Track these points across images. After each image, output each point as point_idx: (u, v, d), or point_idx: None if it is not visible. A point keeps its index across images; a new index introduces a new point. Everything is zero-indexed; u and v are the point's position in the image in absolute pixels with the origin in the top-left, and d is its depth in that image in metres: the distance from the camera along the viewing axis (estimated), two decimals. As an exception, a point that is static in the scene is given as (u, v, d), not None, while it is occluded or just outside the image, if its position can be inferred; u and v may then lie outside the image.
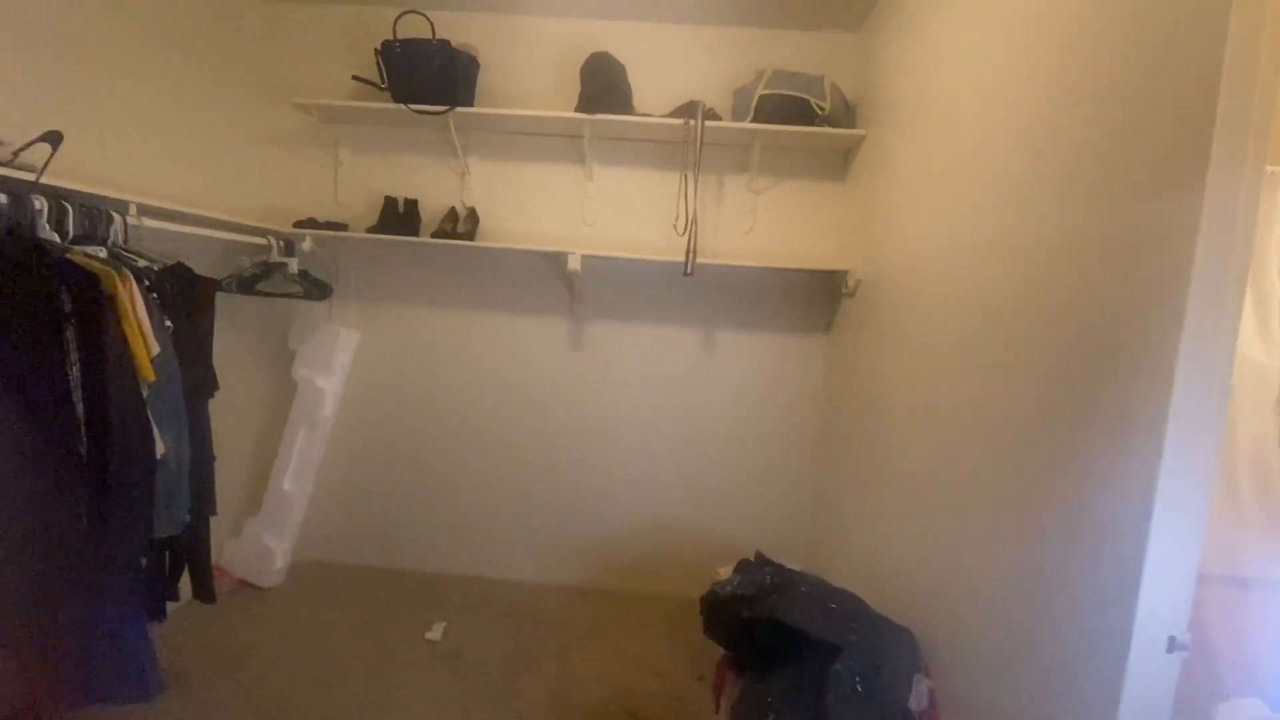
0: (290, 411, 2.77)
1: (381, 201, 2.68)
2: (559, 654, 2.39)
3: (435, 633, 2.46)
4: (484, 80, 2.65)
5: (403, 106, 2.46)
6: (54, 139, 1.53)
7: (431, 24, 2.45)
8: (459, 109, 2.49)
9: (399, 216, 2.66)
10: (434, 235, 2.62)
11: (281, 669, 2.18)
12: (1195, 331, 0.94)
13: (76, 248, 1.60)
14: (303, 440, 2.76)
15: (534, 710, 2.07)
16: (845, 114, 2.55)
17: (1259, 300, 1.86)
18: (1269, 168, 1.61)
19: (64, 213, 1.62)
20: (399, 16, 2.45)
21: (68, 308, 1.49)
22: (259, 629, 2.41)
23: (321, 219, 2.64)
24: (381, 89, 2.51)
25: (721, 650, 1.86)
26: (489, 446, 2.91)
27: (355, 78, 2.54)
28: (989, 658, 1.39)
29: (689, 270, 2.46)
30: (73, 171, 1.67)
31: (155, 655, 1.88)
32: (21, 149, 1.51)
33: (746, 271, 2.66)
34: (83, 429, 1.52)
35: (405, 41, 2.45)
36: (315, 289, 2.65)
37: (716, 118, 2.51)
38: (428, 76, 2.45)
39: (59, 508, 1.49)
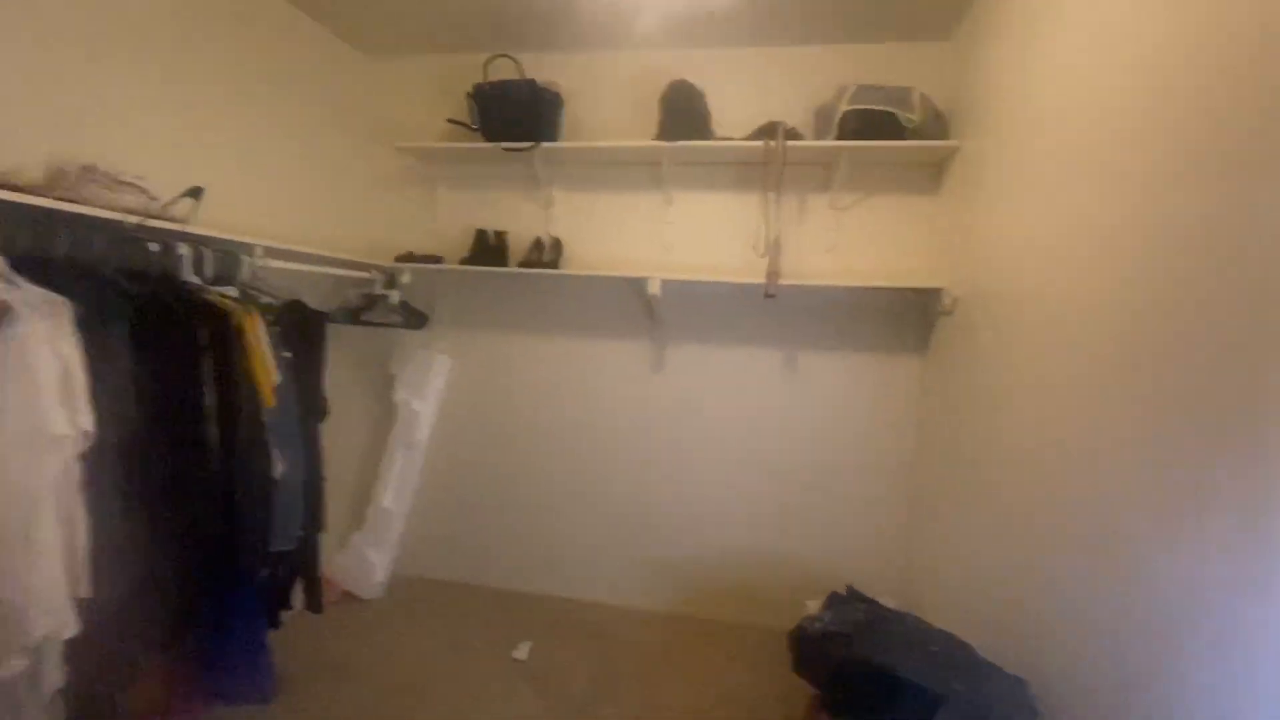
0: (390, 433, 2.95)
1: (473, 234, 2.83)
2: (642, 681, 2.37)
3: (521, 652, 2.51)
4: (567, 114, 2.75)
5: (493, 145, 2.60)
6: (196, 193, 1.73)
7: (519, 65, 2.58)
8: (544, 144, 2.59)
9: (489, 248, 2.80)
10: (521, 265, 2.73)
11: (379, 679, 2.29)
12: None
13: (213, 288, 1.78)
14: (401, 460, 2.93)
15: (618, 738, 2.06)
16: (936, 125, 2.44)
17: None
18: None
19: (202, 257, 1.82)
20: (489, 60, 2.60)
21: (204, 341, 1.66)
22: (360, 639, 2.55)
23: (419, 253, 2.82)
24: (474, 130, 2.67)
25: (812, 689, 1.78)
26: (574, 468, 2.97)
27: (450, 120, 2.71)
28: (1122, 704, 1.24)
29: (770, 291, 2.42)
30: (209, 220, 1.88)
31: (273, 661, 2.03)
32: (170, 203, 1.72)
33: (831, 291, 2.58)
34: (214, 451, 1.69)
35: (494, 83, 2.60)
36: (413, 318, 2.82)
37: (798, 137, 2.48)
38: (516, 115, 2.58)
39: (196, 522, 1.66)
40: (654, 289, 2.55)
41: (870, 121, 2.37)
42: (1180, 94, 1.21)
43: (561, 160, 2.80)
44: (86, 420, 1.34)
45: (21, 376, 1.23)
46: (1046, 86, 1.77)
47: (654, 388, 2.89)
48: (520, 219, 2.88)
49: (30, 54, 1.66)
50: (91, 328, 1.41)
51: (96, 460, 1.42)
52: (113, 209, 1.62)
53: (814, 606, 1.94)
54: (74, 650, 1.41)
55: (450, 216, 2.96)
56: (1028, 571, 1.68)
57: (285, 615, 2.14)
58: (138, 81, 1.93)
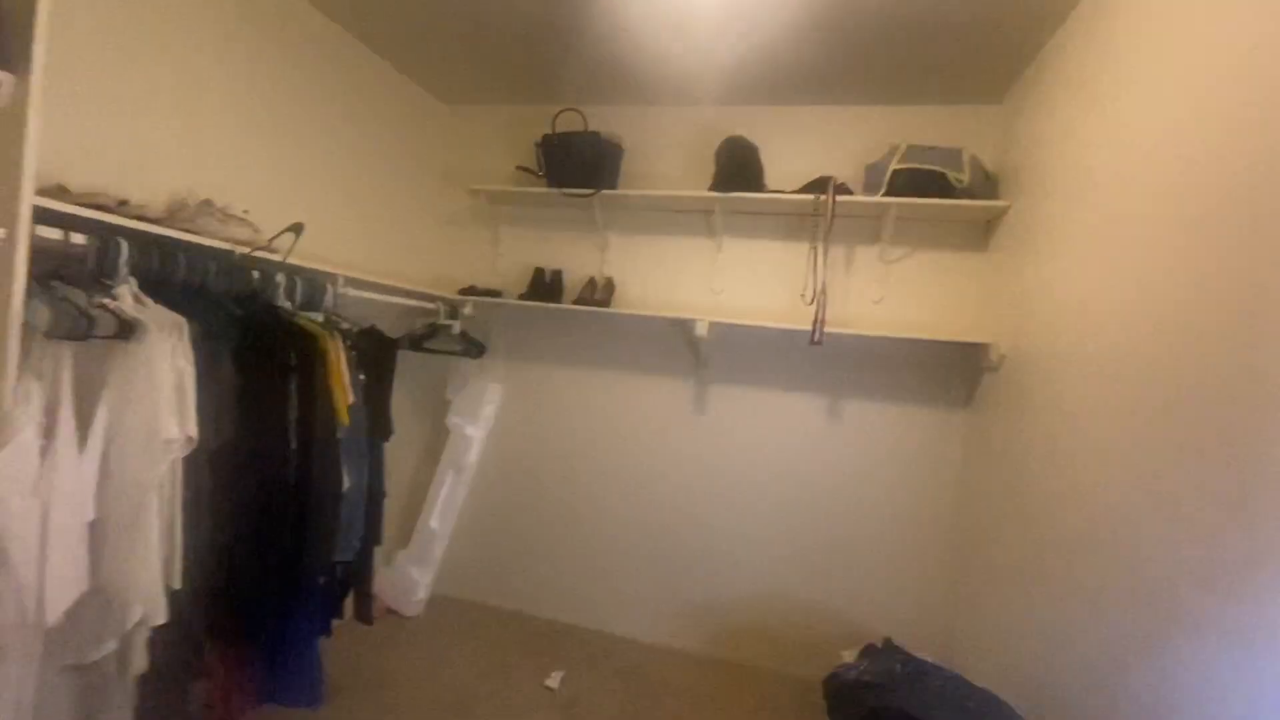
0: (441, 456, 3.09)
1: (532, 272, 2.99)
2: None
3: (554, 680, 2.55)
4: (627, 163, 2.92)
5: (557, 191, 2.78)
6: (298, 229, 1.92)
7: (584, 118, 2.77)
8: (604, 191, 2.76)
9: (545, 285, 2.96)
10: (575, 302, 2.87)
11: (418, 694, 2.37)
12: None
13: (302, 313, 1.96)
14: (450, 483, 3.06)
15: (646, 774, 2.07)
16: (985, 185, 2.50)
17: None
18: None
19: (294, 285, 2.01)
20: (558, 113, 2.80)
21: (293, 361, 1.83)
22: (401, 655, 2.64)
23: (481, 287, 3.00)
24: (540, 175, 2.86)
25: (845, 739, 1.77)
26: (615, 502, 3.04)
27: (519, 167, 2.91)
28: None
29: (816, 338, 2.48)
30: (298, 251, 2.07)
31: (322, 667, 2.13)
32: (274, 238, 1.91)
33: (877, 342, 2.63)
34: (292, 462, 1.83)
35: (561, 134, 2.79)
36: (472, 348, 2.99)
37: (848, 192, 2.57)
38: (579, 164, 2.75)
39: (271, 527, 1.79)
40: (701, 331, 2.64)
41: (920, 180, 2.45)
42: (1225, 156, 1.26)
43: (619, 206, 2.96)
44: (192, 427, 1.50)
45: (146, 386, 1.40)
46: (1097, 149, 1.82)
47: (697, 428, 2.95)
48: (576, 259, 3.04)
49: (170, 105, 1.90)
50: (202, 344, 1.59)
51: (194, 463, 1.57)
52: (224, 240, 1.82)
53: (850, 656, 1.94)
54: (155, 638, 1.54)
55: (511, 255, 3.15)
56: (1063, 640, 1.67)
57: (337, 624, 2.25)
58: (248, 128, 2.18)
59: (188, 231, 1.75)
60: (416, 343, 2.88)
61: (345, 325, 2.14)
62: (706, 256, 2.93)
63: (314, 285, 2.10)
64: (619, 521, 3.03)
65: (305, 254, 2.12)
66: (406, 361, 2.95)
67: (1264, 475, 1.06)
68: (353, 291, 2.31)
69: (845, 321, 2.68)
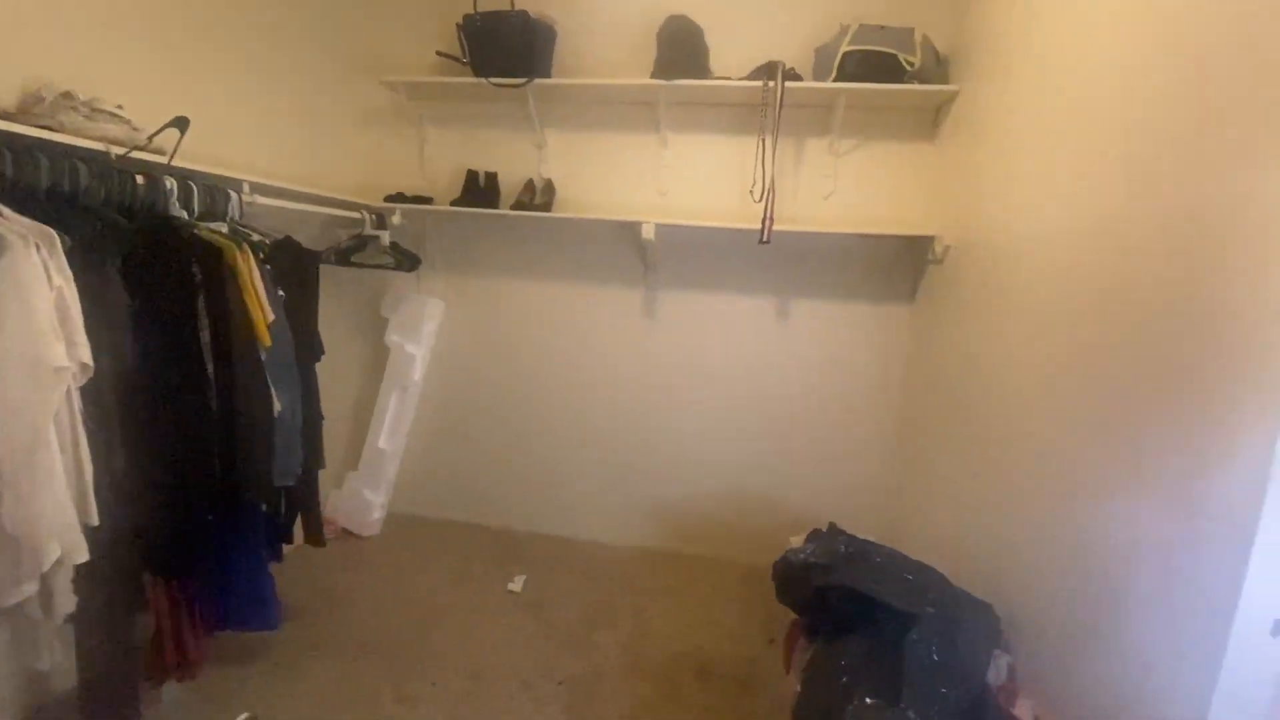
0: (384, 375, 2.97)
1: (464, 175, 2.78)
2: (634, 611, 2.49)
3: (516, 584, 2.61)
4: (561, 50, 2.66)
5: (484, 80, 2.53)
6: (182, 124, 1.68)
7: (510, -5, 2.48)
8: (537, 80, 2.52)
9: (480, 189, 2.76)
10: (512, 207, 2.69)
11: (380, 609, 2.39)
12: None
13: (203, 225, 1.76)
14: (395, 402, 2.96)
15: (609, 659, 2.18)
16: (936, 69, 2.40)
17: None
18: None
19: (189, 192, 1.79)
20: (479, -11, 2.50)
21: (198, 277, 1.65)
22: (360, 573, 2.64)
23: (409, 193, 2.78)
24: (464, 64, 2.58)
25: (793, 616, 1.89)
26: (568, 410, 3.02)
27: (439, 53, 2.62)
28: (1074, 635, 1.35)
29: (765, 238, 2.42)
30: (191, 154, 1.83)
31: (277, 590, 2.11)
32: (154, 134, 1.67)
33: (825, 238, 2.59)
34: (213, 387, 1.70)
35: (485, 14, 2.50)
36: (405, 260, 2.80)
37: (797, 78, 2.43)
38: (507, 49, 2.49)
39: (196, 457, 1.69)
40: (648, 234, 2.54)
41: (871, 63, 2.33)
42: (1184, 51, 1.21)
43: (555, 99, 2.72)
44: (84, 353, 1.34)
45: (18, 307, 1.23)
46: (1049, 33, 1.74)
47: (648, 333, 2.91)
48: (512, 160, 2.83)
49: (-3, -29, 1.57)
50: (83, 261, 1.40)
51: (97, 393, 1.43)
52: (95, 139, 1.58)
53: (797, 541, 2.02)
54: (83, 577, 1.45)
55: (440, 156, 2.90)
56: (998, 511, 1.78)
57: (287, 550, 2.21)
58: (114, 6, 1.85)
59: (47, 129, 1.50)
60: (343, 256, 2.68)
61: (256, 237, 1.94)
62: (651, 154, 2.77)
63: (213, 192, 1.88)
64: (573, 429, 3.03)
65: (199, 157, 1.87)
66: (335, 277, 2.76)
67: (1192, 368, 1.09)
68: (261, 200, 2.08)
69: (795, 219, 2.62)
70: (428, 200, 2.76)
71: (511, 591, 2.57)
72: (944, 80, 2.41)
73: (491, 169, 2.78)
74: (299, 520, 2.19)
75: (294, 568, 2.54)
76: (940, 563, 1.68)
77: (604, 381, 2.97)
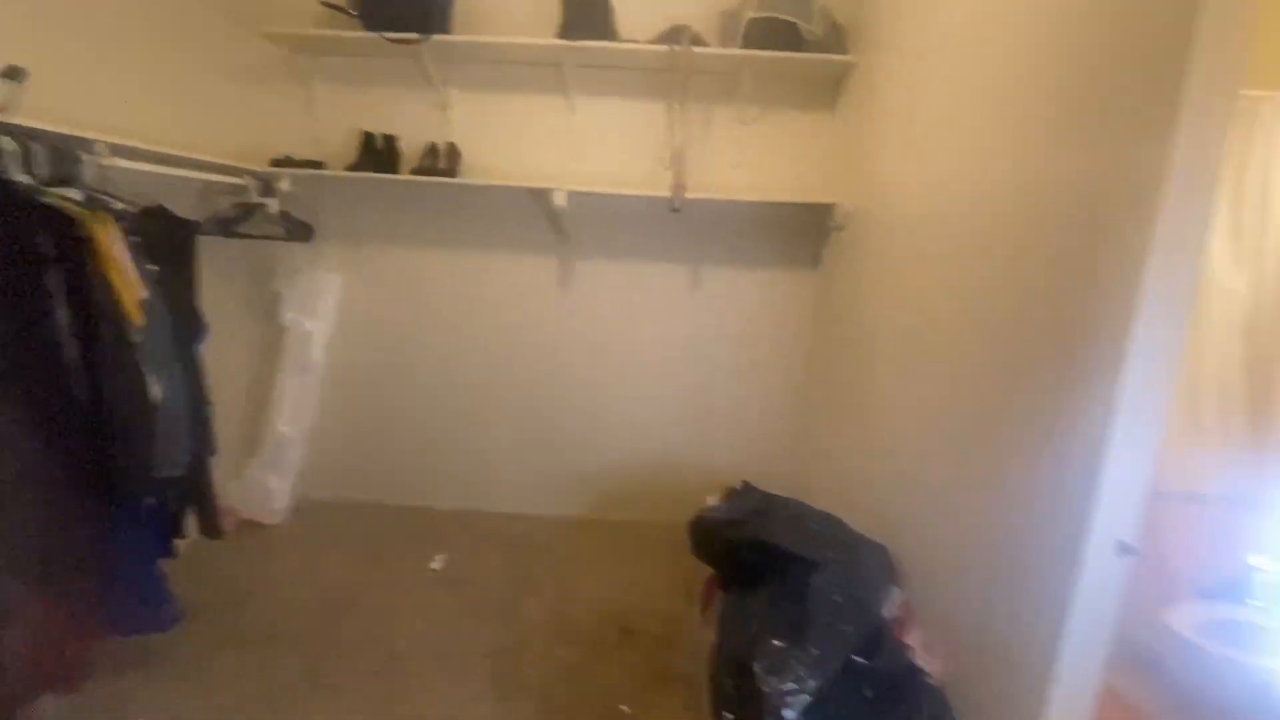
0: (281, 355, 2.79)
1: (359, 138, 2.61)
2: (558, 579, 2.51)
3: (438, 563, 2.57)
4: (462, 3, 2.52)
5: (376, 35, 2.36)
6: (16, 75, 1.47)
7: (401, -57, 2.32)
8: (434, 37, 2.39)
9: (377, 153, 2.60)
10: (414, 173, 2.57)
11: (292, 598, 2.29)
12: (1160, 260, 0.97)
13: (52, 191, 1.56)
14: (296, 382, 2.79)
15: (534, 628, 2.20)
16: (835, 39, 2.47)
17: (1235, 229, 1.89)
18: (1246, 93, 1.61)
19: (29, 154, 1.57)
20: (366, -66, 2.31)
21: (49, 252, 1.47)
22: (267, 563, 2.51)
23: (299, 157, 2.58)
24: (352, 15, 2.40)
25: (709, 570, 1.97)
26: (483, 384, 2.96)
27: (324, 3, 2.42)
28: (955, 567, 1.49)
29: (676, 205, 2.44)
30: (38, 110, 1.61)
31: (169, 588, 1.97)
32: (-20, 86, 1.45)
33: (735, 206, 2.64)
34: (76, 373, 1.54)
35: (375, -38, 2.33)
36: (297, 230, 2.61)
37: (703, 43, 2.43)
38: (401, 1, 2.33)
39: (58, 450, 1.53)
40: (560, 201, 2.49)
41: (773, 30, 2.37)
42: (1009, 41, 1.31)
43: (455, 57, 2.59)
44: (-91, 340, 1.18)
45: None
46: (924, 10, 1.83)
47: (563, 302, 2.89)
48: (412, 122, 2.68)
49: None
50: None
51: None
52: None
53: (713, 500, 2.11)
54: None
55: (332, 118, 2.70)
56: (888, 460, 1.93)
57: (181, 544, 2.06)
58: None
59: None
60: (226, 227, 2.45)
61: (120, 205, 1.75)
62: (560, 118, 2.70)
63: (63, 155, 1.66)
64: (491, 403, 2.98)
65: (48, 114, 1.65)
66: (220, 250, 2.54)
67: (1054, 326, 1.21)
68: (124, 163, 1.86)
69: (705, 186, 2.65)
70: (320, 165, 2.58)
71: (433, 570, 2.53)
72: (842, 51, 2.48)
73: (390, 131, 2.63)
74: (192, 512, 2.04)
75: (192, 563, 2.38)
76: (841, 510, 1.80)
77: (520, 353, 2.93)
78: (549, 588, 2.45)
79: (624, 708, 1.83)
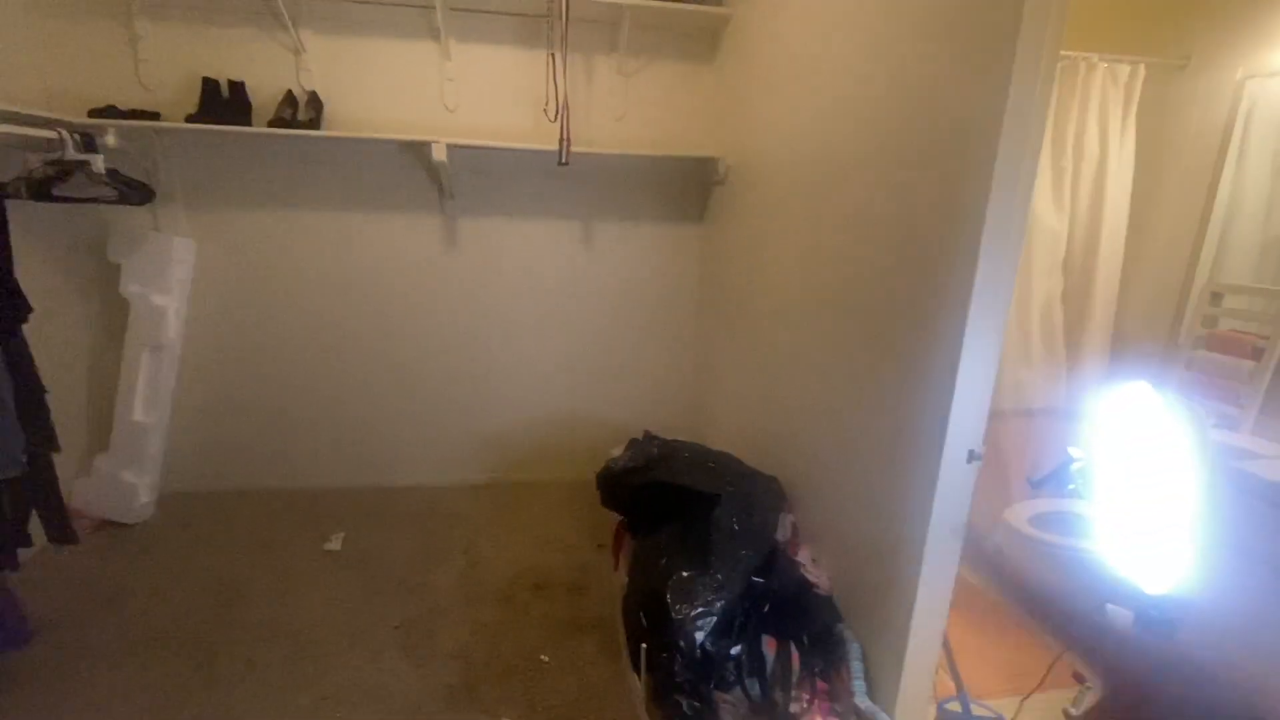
0: (127, 333, 2.48)
1: (199, 84, 2.31)
2: (466, 545, 2.49)
3: (334, 543, 2.46)
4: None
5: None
6: None
7: None
8: (281, -31, 2.14)
9: (224, 102, 2.32)
10: (270, 124, 2.32)
11: (169, 598, 2.11)
12: (996, 210, 1.11)
13: None
14: (148, 364, 2.50)
15: (445, 597, 2.18)
16: (712, -10, 2.50)
17: (1056, 176, 2.17)
18: (1065, 53, 1.83)
19: None
20: None
21: None
22: (134, 565, 2.28)
23: (125, 106, 2.25)
24: (176, -59, 2.09)
25: (619, 519, 2.05)
26: (372, 353, 2.81)
27: (138, -76, 2.08)
28: (836, 488, 1.66)
29: (564, 159, 2.40)
30: None
31: (16, 602, 1.76)
32: None
33: (620, 160, 2.64)
34: None
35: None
36: (132, 191, 2.29)
37: (580, -11, 2.36)
38: (235, -73, 2.06)
39: None
40: (439, 155, 2.37)
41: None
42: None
43: (308, -6, 2.35)
44: None
45: None
46: None
47: (451, 262, 2.77)
48: (263, 67, 2.41)
49: None
50: None
51: None
52: None
53: (617, 451, 2.17)
54: None
55: (163, 60, 2.36)
56: (774, 397, 2.08)
57: (27, 553, 1.83)
58: None
59: None
60: (39, 188, 2.10)
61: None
62: (434, 65, 2.54)
63: None
64: (380, 372, 2.84)
65: None
66: (37, 215, 2.20)
67: (914, 263, 1.34)
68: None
69: (590, 140, 2.63)
70: (154, 115, 2.26)
71: (330, 551, 2.42)
72: (717, 2, 2.51)
73: (237, 78, 2.35)
74: (35, 518, 1.81)
75: (45, 572, 2.16)
76: (735, 448, 1.93)
77: (408, 318, 2.80)
78: (457, 556, 2.42)
79: (544, 657, 1.89)
